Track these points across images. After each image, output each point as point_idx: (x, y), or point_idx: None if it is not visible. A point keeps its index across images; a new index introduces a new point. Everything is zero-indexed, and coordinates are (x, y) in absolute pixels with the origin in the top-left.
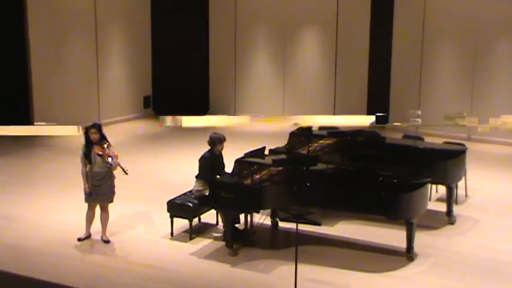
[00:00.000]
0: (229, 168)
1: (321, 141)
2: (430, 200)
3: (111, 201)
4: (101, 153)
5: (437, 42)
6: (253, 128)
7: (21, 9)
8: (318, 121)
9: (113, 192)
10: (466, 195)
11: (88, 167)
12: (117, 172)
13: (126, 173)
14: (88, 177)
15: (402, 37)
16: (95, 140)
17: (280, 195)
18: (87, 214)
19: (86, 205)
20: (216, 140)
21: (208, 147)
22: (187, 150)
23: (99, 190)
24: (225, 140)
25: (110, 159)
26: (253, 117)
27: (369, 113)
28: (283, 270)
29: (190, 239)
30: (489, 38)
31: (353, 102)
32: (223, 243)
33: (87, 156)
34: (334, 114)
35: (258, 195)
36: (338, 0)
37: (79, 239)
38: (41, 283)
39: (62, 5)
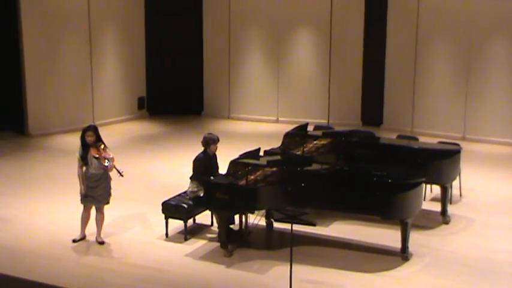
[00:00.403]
0: (223, 169)
1: (315, 142)
2: (424, 199)
3: (107, 202)
4: (97, 155)
5: (431, 43)
6: (248, 129)
7: (14, 12)
8: None
9: (109, 194)
10: (461, 195)
11: (84, 168)
12: (112, 174)
13: (122, 175)
14: (84, 178)
15: (396, 38)
16: (90, 142)
17: (275, 196)
18: (82, 215)
19: (81, 206)
20: (210, 141)
21: (202, 148)
22: (182, 151)
23: (95, 192)
24: (218, 140)
25: (106, 162)
26: None
27: (363, 113)
28: (278, 271)
29: (185, 240)
30: (483, 37)
31: (347, 103)
32: (218, 244)
33: (83, 158)
34: (328, 117)
35: (253, 196)
36: (332, 1)
37: (74, 241)
38: (35, 285)
39: (55, 7)
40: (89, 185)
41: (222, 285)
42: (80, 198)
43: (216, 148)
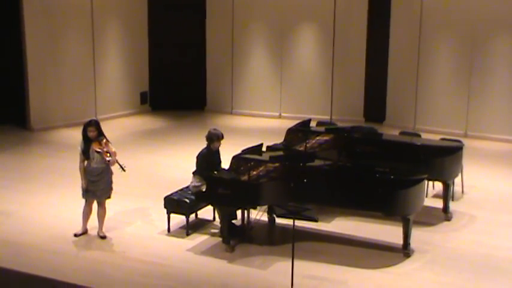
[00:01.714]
0: (226, 164)
1: (318, 138)
2: (426, 196)
3: (109, 197)
4: (99, 150)
5: (434, 40)
6: (251, 124)
7: (17, 6)
8: None
9: (111, 188)
10: (463, 192)
11: (86, 163)
12: (114, 168)
13: (124, 170)
14: (86, 173)
15: (399, 35)
16: (92, 137)
17: (277, 192)
18: (84, 210)
19: (82, 201)
20: (214, 137)
21: (205, 143)
22: (184, 146)
23: (97, 186)
24: (223, 137)
25: (108, 156)
26: None
27: (365, 110)
28: (280, 266)
29: (187, 234)
30: (486, 35)
31: (350, 100)
32: (220, 239)
33: (85, 152)
34: (330, 113)
35: (255, 192)
36: None
37: (75, 235)
38: (37, 279)
39: (58, 2)
40: (90, 179)
41: (223, 280)
42: (81, 192)
43: (220, 145)
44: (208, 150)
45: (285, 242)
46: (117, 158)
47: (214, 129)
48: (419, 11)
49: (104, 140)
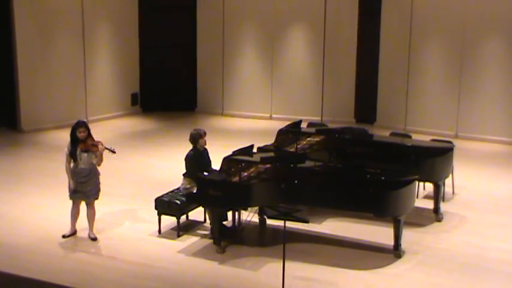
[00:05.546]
0: (217, 165)
1: (309, 139)
2: (417, 197)
3: (96, 198)
4: (85, 149)
5: (424, 40)
6: (242, 125)
7: (7, 8)
8: None
9: (98, 189)
10: (453, 193)
11: (73, 164)
12: (104, 168)
13: (114, 152)
14: (73, 174)
15: (390, 36)
16: (82, 138)
17: (268, 193)
18: (71, 211)
19: (71, 202)
20: (197, 136)
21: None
22: (175, 147)
23: (84, 187)
24: (205, 134)
25: (96, 149)
26: None
27: (356, 112)
28: (271, 268)
29: (178, 236)
30: (476, 36)
31: (341, 101)
32: (210, 240)
33: (72, 154)
34: (321, 114)
35: (246, 193)
36: None
37: (63, 236)
38: (26, 280)
39: (48, 2)
40: (78, 181)
41: (214, 282)
42: (68, 193)
43: (205, 142)
44: (195, 150)
45: (276, 243)
46: (104, 146)
47: (194, 129)
48: (409, 12)
49: (89, 141)
